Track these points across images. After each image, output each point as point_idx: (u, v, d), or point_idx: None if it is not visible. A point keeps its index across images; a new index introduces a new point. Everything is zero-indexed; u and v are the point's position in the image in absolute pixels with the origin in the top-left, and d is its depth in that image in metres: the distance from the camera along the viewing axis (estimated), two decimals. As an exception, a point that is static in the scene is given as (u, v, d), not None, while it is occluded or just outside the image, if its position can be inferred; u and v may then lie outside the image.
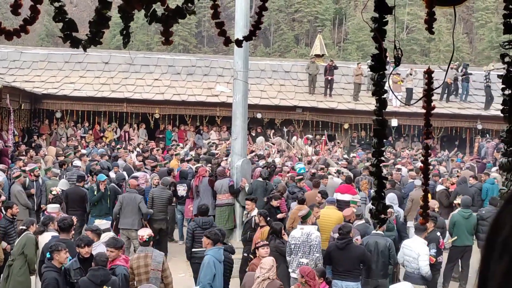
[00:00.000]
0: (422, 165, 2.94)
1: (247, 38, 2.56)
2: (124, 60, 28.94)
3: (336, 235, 10.12)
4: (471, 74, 28.00)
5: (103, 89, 26.46)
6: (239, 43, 2.57)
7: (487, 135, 26.86)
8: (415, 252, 9.72)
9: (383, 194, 2.71)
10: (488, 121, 26.60)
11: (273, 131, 26.53)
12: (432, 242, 10.14)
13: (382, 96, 2.57)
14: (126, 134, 25.97)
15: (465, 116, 26.65)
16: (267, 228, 10.32)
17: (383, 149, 2.67)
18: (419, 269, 9.66)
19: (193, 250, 10.50)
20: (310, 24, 69.84)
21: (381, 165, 2.69)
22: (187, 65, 29.31)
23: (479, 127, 26.68)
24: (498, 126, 26.28)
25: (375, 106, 2.62)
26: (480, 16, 65.40)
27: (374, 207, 2.74)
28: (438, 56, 61.38)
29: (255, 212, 11.23)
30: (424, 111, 2.93)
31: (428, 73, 2.99)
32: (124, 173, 16.23)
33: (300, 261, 9.22)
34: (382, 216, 2.72)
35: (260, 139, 24.30)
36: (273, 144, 23.49)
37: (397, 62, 2.63)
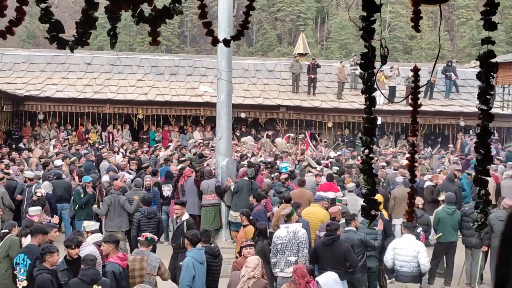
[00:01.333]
0: (408, 162, 2.95)
1: (235, 37, 2.56)
2: (107, 60, 28.85)
3: (322, 234, 10.13)
4: (452, 74, 28.20)
5: (86, 90, 26.32)
6: (227, 43, 2.56)
7: (470, 131, 27.10)
8: (413, 250, 9.62)
9: (374, 191, 2.72)
10: (470, 118, 26.81)
11: (257, 132, 26.53)
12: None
13: (372, 94, 2.58)
14: (110, 135, 25.83)
15: (448, 113, 26.84)
16: (251, 228, 10.30)
17: (372, 146, 2.68)
18: (420, 267, 9.61)
19: (139, 239, 10.74)
20: (292, 23, 70.00)
21: (371, 162, 2.70)
22: (170, 65, 29.25)
23: (462, 124, 26.91)
24: (480, 122, 26.46)
25: (365, 104, 2.63)
26: (461, 13, 65.91)
27: (365, 204, 2.75)
28: (420, 53, 61.80)
29: (185, 216, 10.83)
30: (410, 108, 2.94)
31: (415, 71, 3.01)
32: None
33: (288, 260, 9.21)
34: (373, 212, 2.73)
35: (248, 138, 24.32)
36: (259, 144, 23.49)
37: (384, 60, 2.64)
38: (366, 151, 2.76)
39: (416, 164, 13.86)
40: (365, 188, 2.82)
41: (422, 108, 3.21)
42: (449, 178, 15.52)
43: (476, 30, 62.19)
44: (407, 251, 9.68)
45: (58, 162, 16.87)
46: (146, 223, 11.33)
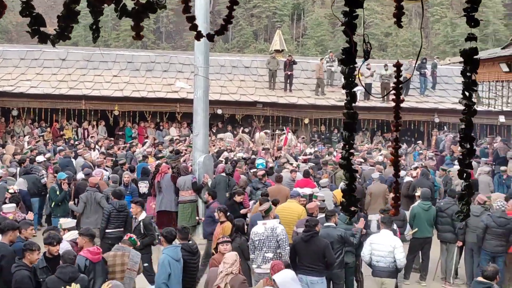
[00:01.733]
0: (392, 157, 2.98)
1: (219, 32, 2.56)
2: (82, 56, 28.60)
3: (300, 230, 10.16)
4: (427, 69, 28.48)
5: (61, 86, 26.08)
6: (210, 37, 2.56)
7: (445, 127, 27.41)
8: (390, 245, 9.72)
9: (354, 186, 2.74)
10: (445, 114, 27.11)
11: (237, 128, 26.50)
12: None
13: (353, 90, 2.59)
14: (85, 131, 25.62)
15: (423, 110, 27.06)
16: (228, 224, 10.29)
17: (352, 142, 2.70)
18: (396, 262, 9.72)
19: (107, 231, 11.31)
20: (268, 20, 69.99)
21: (351, 158, 2.72)
22: (146, 61, 29.10)
23: (437, 120, 27.18)
24: (455, 119, 26.84)
25: (345, 100, 2.64)
26: (435, 11, 66.44)
27: (344, 200, 2.76)
28: (395, 50, 62.21)
29: (142, 216, 10.68)
30: (385, 105, 2.97)
31: (397, 66, 3.03)
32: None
33: (266, 256, 9.21)
34: (353, 208, 2.74)
35: (227, 134, 24.30)
36: (237, 140, 23.48)
37: (366, 55, 2.66)
38: (346, 146, 2.77)
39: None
40: (345, 183, 2.83)
41: (398, 105, 3.24)
42: (423, 174, 15.67)
43: (450, 27, 62.85)
44: (383, 246, 9.76)
45: (40, 158, 16.78)
46: (116, 216, 11.38)
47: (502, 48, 19.42)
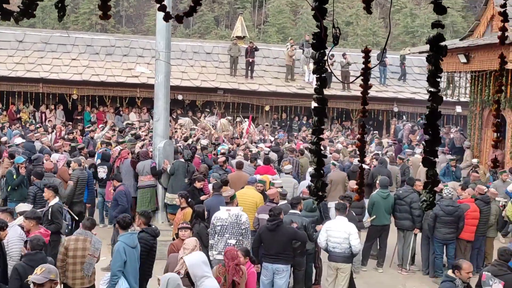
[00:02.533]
0: (358, 142, 2.99)
1: (188, 14, 2.51)
2: (40, 38, 27.99)
3: (261, 216, 10.20)
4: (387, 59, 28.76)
5: (18, 69, 25.53)
6: (179, 18, 2.51)
7: (403, 117, 27.80)
8: (345, 232, 9.84)
9: (322, 171, 2.73)
10: (403, 104, 27.49)
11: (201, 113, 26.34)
12: (351, 222, 10.32)
13: (323, 75, 2.58)
14: (43, 115, 25.14)
15: (382, 99, 27.34)
16: (189, 210, 10.26)
17: (322, 127, 2.69)
18: (351, 248, 9.85)
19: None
20: (230, 6, 69.73)
21: (320, 143, 2.72)
22: (106, 45, 28.66)
23: (395, 109, 27.53)
24: (413, 108, 27.25)
25: (316, 85, 2.63)
26: (395, 1, 67.12)
27: (313, 184, 2.76)
28: (356, 40, 62.64)
29: (53, 201, 10.36)
30: (345, 93, 2.97)
31: (366, 52, 3.03)
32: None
33: (229, 242, 9.20)
34: (321, 193, 2.74)
35: (186, 120, 24.14)
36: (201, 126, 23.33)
37: (336, 40, 2.65)
38: (316, 132, 2.77)
39: (350, 148, 14.15)
40: (313, 169, 2.83)
41: (357, 94, 3.26)
42: (381, 162, 15.85)
43: (410, 18, 63.59)
44: (339, 233, 9.90)
45: (18, 140, 16.58)
46: (41, 196, 11.02)
47: (460, 40, 19.76)
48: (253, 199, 11.27)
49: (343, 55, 27.02)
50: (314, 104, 2.68)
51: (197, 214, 9.83)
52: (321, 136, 2.70)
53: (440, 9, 2.67)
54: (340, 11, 65.89)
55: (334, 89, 26.46)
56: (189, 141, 18.14)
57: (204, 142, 17.90)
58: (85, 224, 8.71)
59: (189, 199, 10.60)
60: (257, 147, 18.20)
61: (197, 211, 9.87)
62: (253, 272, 8.12)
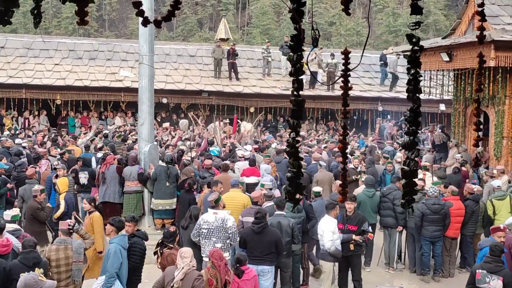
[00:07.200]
0: (340, 144, 2.99)
1: (166, 18, 2.50)
2: (22, 44, 27.82)
3: (246, 219, 10.18)
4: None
5: (0, 75, 25.31)
6: (158, 23, 2.50)
7: (388, 116, 27.88)
8: (321, 229, 10.04)
9: (300, 174, 2.73)
10: (388, 103, 27.57)
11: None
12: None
13: (300, 77, 2.58)
14: (26, 121, 24.98)
15: (367, 98, 27.43)
16: (96, 214, 10.33)
17: (299, 129, 2.69)
18: (336, 246, 9.96)
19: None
20: (213, 8, 69.71)
21: (297, 145, 2.71)
22: (89, 49, 28.53)
23: (380, 109, 27.62)
24: (397, 107, 27.33)
25: (293, 87, 2.63)
26: (378, 1, 67.43)
27: (289, 187, 2.76)
28: (339, 40, 62.86)
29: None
30: (330, 94, 2.97)
31: (345, 54, 3.04)
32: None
33: (216, 246, 9.18)
34: (298, 196, 2.74)
35: (183, 122, 24.09)
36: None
37: (315, 42, 2.65)
38: (293, 134, 2.77)
39: (337, 148, 14.05)
40: (291, 171, 2.82)
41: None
42: (371, 162, 15.89)
43: (392, 17, 63.90)
44: (320, 230, 10.13)
45: (19, 140, 16.79)
46: None
47: (442, 38, 19.85)
48: (241, 201, 11.25)
49: (331, 55, 27.04)
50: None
51: (192, 215, 9.98)
52: (298, 138, 2.70)
53: (416, 10, 2.68)
54: (323, 12, 66.14)
55: (318, 89, 26.53)
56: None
57: (182, 147, 17.89)
58: (63, 230, 8.60)
59: (97, 204, 10.66)
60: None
61: (194, 214, 10.02)
62: (255, 276, 8.41)
